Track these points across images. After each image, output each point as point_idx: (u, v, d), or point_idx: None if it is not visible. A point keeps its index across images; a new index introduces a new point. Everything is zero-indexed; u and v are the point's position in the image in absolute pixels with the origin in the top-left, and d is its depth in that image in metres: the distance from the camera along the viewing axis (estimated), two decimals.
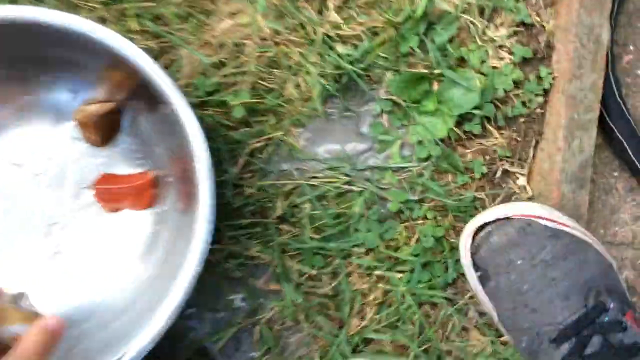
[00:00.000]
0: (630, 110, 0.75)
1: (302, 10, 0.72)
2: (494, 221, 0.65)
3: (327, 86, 0.72)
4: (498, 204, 0.75)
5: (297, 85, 0.75)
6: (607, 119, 0.73)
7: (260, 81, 0.75)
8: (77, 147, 0.73)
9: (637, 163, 0.73)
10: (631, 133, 0.73)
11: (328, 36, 0.72)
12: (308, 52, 0.73)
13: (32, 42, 0.64)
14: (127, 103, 0.72)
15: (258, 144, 0.76)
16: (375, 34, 0.74)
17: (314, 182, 0.76)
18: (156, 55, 0.73)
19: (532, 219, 0.63)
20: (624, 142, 0.73)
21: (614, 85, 0.73)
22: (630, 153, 0.73)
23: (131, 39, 0.62)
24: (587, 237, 0.64)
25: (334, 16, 0.72)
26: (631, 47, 0.76)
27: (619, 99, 0.73)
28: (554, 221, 0.64)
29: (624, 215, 0.76)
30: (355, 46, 0.73)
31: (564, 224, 0.64)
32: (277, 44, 0.74)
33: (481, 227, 0.66)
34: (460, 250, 0.69)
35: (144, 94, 0.65)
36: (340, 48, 0.72)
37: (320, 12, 0.73)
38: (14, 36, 0.63)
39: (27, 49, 0.65)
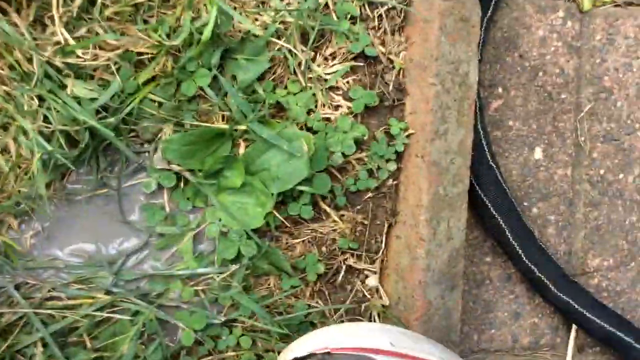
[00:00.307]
0: (503, 175, 0.56)
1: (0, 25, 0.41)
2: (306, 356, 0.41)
3: (56, 152, 0.42)
4: (343, 315, 0.51)
5: (5, 150, 0.43)
6: (478, 189, 0.53)
7: None
8: None
9: (516, 247, 0.54)
10: (509, 208, 0.54)
11: (54, 67, 0.43)
12: (20, 93, 0.42)
13: None
14: None
15: None
16: (140, 65, 0.46)
17: (51, 306, 0.45)
18: None
19: (351, 352, 0.41)
20: (501, 222, 0.54)
21: (484, 143, 0.54)
22: (509, 234, 0.54)
23: None
24: None
25: (62, 34, 0.42)
26: (500, 89, 0.58)
27: (491, 162, 0.54)
28: (385, 352, 0.42)
29: (501, 312, 0.57)
30: (105, 84, 0.44)
31: (396, 354, 0.42)
32: None
33: None
34: None
35: None
36: (76, 87, 0.43)
37: (42, 27, 0.43)
38: None
39: None
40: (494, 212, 0.53)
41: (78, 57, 0.42)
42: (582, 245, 0.59)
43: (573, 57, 0.59)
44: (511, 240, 0.54)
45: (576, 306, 0.55)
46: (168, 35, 0.45)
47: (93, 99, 0.42)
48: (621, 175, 0.59)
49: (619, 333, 0.54)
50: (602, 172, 0.59)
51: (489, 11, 0.55)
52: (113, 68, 0.43)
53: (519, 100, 0.58)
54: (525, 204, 0.58)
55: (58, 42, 0.43)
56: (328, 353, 0.42)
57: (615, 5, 0.61)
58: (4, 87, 0.43)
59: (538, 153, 0.58)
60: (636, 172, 0.60)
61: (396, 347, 0.44)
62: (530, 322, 0.58)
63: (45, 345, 0.45)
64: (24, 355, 0.45)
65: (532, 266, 0.54)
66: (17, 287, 0.45)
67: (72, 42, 0.42)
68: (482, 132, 0.53)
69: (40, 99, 0.42)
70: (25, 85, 0.42)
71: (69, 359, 0.44)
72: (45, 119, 0.42)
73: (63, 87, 0.43)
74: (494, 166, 0.53)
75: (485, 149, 0.54)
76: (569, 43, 0.59)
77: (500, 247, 0.56)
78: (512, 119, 0.58)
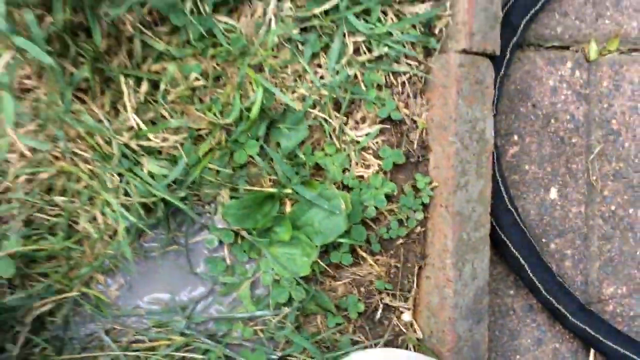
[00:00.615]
0: (521, 216, 0.61)
1: (81, 115, 0.49)
2: None
3: (136, 220, 0.50)
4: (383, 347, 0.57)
5: (94, 219, 0.51)
6: (499, 231, 0.59)
7: (38, 214, 0.50)
8: None
9: (535, 281, 0.59)
10: (528, 247, 0.59)
11: (130, 148, 0.50)
12: (103, 172, 0.50)
13: None
14: None
15: (46, 307, 0.51)
16: (200, 139, 0.53)
17: (136, 348, 0.53)
18: None
19: None
20: (520, 258, 0.59)
21: (502, 189, 0.59)
22: (529, 270, 0.59)
23: None
24: None
25: (135, 120, 0.50)
26: (516, 137, 0.63)
27: (509, 206, 0.59)
28: None
29: (525, 340, 0.62)
30: (173, 160, 0.52)
31: None
32: (57, 158, 0.50)
33: None
34: None
35: None
36: (149, 164, 0.50)
37: (116, 112, 0.51)
38: None
39: None
40: (514, 251, 0.59)
41: (149, 139, 0.50)
42: (597, 276, 0.64)
43: (582, 103, 0.64)
44: (531, 275, 0.59)
45: (592, 332, 0.60)
46: (221, 112, 0.53)
47: (164, 175, 0.50)
48: (631, 210, 0.64)
49: (632, 355, 0.59)
50: (613, 208, 0.64)
51: (502, 69, 0.61)
52: (178, 146, 0.50)
53: (534, 146, 0.63)
54: (544, 240, 0.63)
55: (131, 127, 0.50)
56: None
57: (620, 53, 0.66)
58: (89, 167, 0.50)
59: (553, 193, 0.63)
60: None
61: None
62: (552, 347, 0.63)
63: None
64: None
65: (551, 298, 0.59)
66: (107, 333, 0.53)
67: (143, 126, 0.50)
68: (500, 179, 0.59)
69: (120, 175, 0.50)
70: (106, 164, 0.50)
71: None
72: (126, 192, 0.50)
73: (138, 164, 0.50)
74: (512, 209, 0.59)
75: (504, 194, 0.59)
76: (578, 91, 0.64)
77: (522, 281, 0.61)
78: (528, 163, 0.63)
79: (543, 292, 0.59)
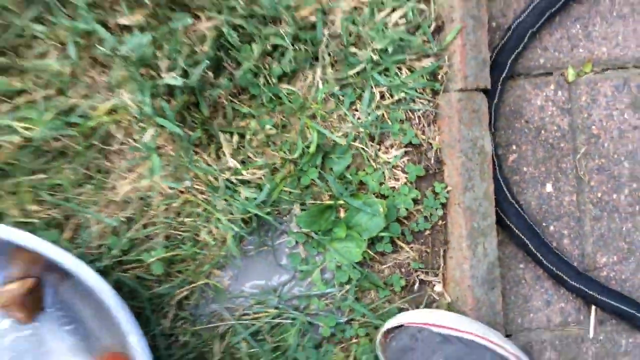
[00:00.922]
0: (523, 206, 0.78)
1: (198, 162, 0.72)
2: (395, 327, 0.67)
3: (239, 230, 0.72)
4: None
5: (210, 232, 0.74)
6: (505, 219, 0.76)
7: (173, 231, 0.73)
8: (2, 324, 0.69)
9: (538, 255, 0.76)
10: (529, 230, 0.76)
11: (230, 182, 0.73)
12: (214, 199, 0.72)
13: None
14: (44, 276, 0.68)
15: (183, 293, 0.74)
16: (276, 170, 0.75)
17: (245, 319, 0.75)
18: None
19: (423, 326, 0.66)
20: (524, 238, 0.76)
21: (504, 188, 0.77)
22: (532, 247, 0.76)
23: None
24: (485, 341, 0.65)
25: (232, 162, 0.72)
26: (514, 147, 0.81)
27: (511, 200, 0.77)
28: (445, 327, 0.66)
29: (536, 302, 0.79)
30: (259, 187, 0.73)
31: (456, 329, 0.66)
32: (182, 192, 0.73)
33: (389, 332, 0.69)
34: (377, 353, 0.71)
35: (55, 267, 0.63)
36: (244, 191, 0.72)
37: (218, 157, 0.74)
38: None
39: None
40: (519, 233, 0.76)
41: (242, 174, 0.72)
42: (591, 249, 0.79)
43: (566, 116, 0.81)
44: (534, 251, 0.76)
45: (589, 291, 0.75)
46: (289, 151, 0.74)
47: (254, 198, 0.72)
48: (615, 196, 0.79)
49: (624, 307, 0.74)
50: (599, 195, 0.80)
51: (496, 97, 0.79)
52: (262, 177, 0.72)
53: (529, 152, 0.80)
54: (544, 224, 0.79)
55: (230, 167, 0.73)
56: (402, 326, 0.68)
57: (595, 73, 0.82)
58: (204, 196, 0.73)
59: (549, 187, 0.80)
60: (626, 192, 0.79)
61: (453, 323, 0.68)
62: (559, 306, 0.78)
63: (246, 341, 0.74)
64: (235, 348, 0.74)
65: (552, 267, 0.76)
66: (226, 309, 0.75)
67: (238, 166, 0.72)
68: (502, 180, 0.77)
69: (226, 200, 0.73)
70: (216, 194, 0.72)
71: (261, 348, 0.72)
72: (230, 212, 0.72)
73: (237, 192, 0.73)
74: (514, 202, 0.76)
75: (506, 191, 0.77)
76: (562, 107, 0.81)
77: (528, 256, 0.78)
78: (525, 166, 0.80)
79: (545, 262, 0.76)
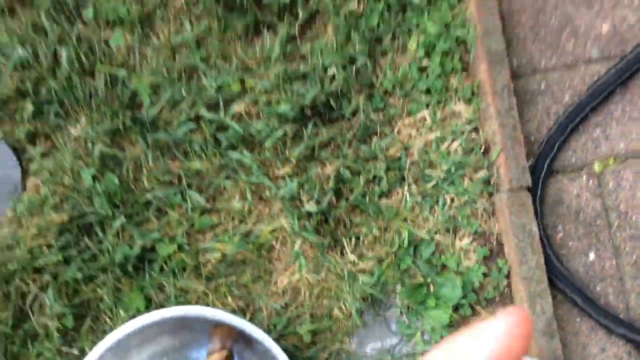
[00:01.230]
0: (572, 273, 1.03)
1: (330, 260, 1.06)
2: None
3: (360, 306, 1.04)
4: None
5: (340, 308, 1.06)
6: (558, 284, 1.02)
7: (315, 310, 1.07)
8: None
9: (587, 310, 0.99)
10: (576, 290, 1.00)
11: (352, 271, 1.06)
12: (342, 284, 1.05)
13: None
14: (233, 346, 1.04)
15: (325, 356, 1.06)
16: (382, 261, 1.07)
17: None
18: (243, 308, 1.06)
19: None
20: (573, 297, 1.00)
21: (554, 260, 1.03)
22: (580, 304, 1.00)
23: (226, 303, 0.96)
24: None
25: (352, 257, 1.06)
26: (559, 227, 1.07)
27: (561, 268, 1.02)
28: None
29: (593, 349, 1.01)
30: (372, 273, 1.06)
31: None
32: (320, 281, 1.07)
33: None
34: None
35: (243, 337, 0.98)
36: (362, 277, 1.05)
37: (342, 254, 1.07)
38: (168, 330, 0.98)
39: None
40: (569, 293, 1.01)
41: (360, 265, 1.05)
42: (634, 302, 1.01)
43: (598, 199, 1.07)
44: (582, 306, 1.00)
45: (633, 336, 0.97)
46: (390, 245, 1.06)
47: (369, 282, 1.04)
48: None
49: None
50: (634, 258, 1.03)
51: (538, 191, 1.06)
52: (375, 267, 1.05)
53: (572, 230, 1.06)
54: (590, 286, 1.03)
55: (350, 261, 1.06)
56: None
57: (617, 164, 1.07)
58: (335, 283, 1.06)
59: (592, 256, 1.04)
60: None
61: None
62: (612, 352, 1.00)
63: None
64: None
65: (599, 319, 0.99)
66: None
67: (357, 259, 1.05)
68: (552, 253, 1.03)
69: (349, 285, 1.05)
70: (343, 280, 1.05)
71: None
72: (353, 294, 1.05)
73: (356, 279, 1.05)
74: (564, 269, 1.02)
75: (556, 262, 1.02)
76: (594, 193, 1.07)
77: (581, 311, 1.02)
78: (570, 240, 1.06)
79: (593, 315, 0.99)
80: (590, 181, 1.08)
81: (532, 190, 1.05)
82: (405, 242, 1.04)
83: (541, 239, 1.03)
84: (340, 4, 1.09)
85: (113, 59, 1.13)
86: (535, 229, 1.02)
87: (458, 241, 1.06)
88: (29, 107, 1.10)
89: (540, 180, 1.07)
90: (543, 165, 1.07)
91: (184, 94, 1.08)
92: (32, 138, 1.11)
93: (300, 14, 1.11)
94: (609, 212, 1.06)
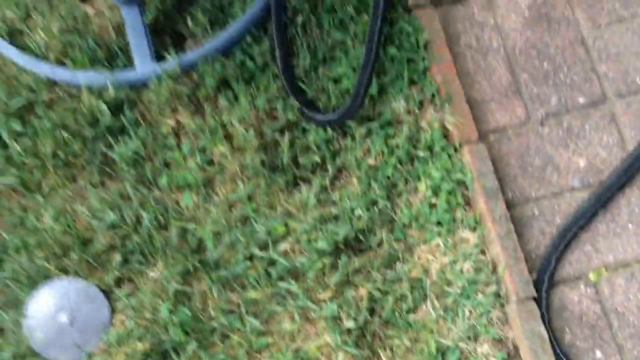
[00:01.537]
0: None
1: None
2: None
3: None
4: None
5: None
6: None
7: None
8: None
9: None
10: None
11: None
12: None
13: None
14: None
15: None
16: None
17: None
18: None
19: None
20: None
21: (564, 359, 1.19)
22: None
23: None
24: None
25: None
26: (567, 329, 1.24)
27: None
28: None
29: None
30: None
31: None
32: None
33: None
34: None
35: None
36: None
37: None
38: None
39: None
40: None
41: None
42: None
43: (597, 304, 1.25)
44: None
45: None
46: (421, 353, 1.24)
47: None
48: None
49: None
50: (635, 353, 1.18)
51: (543, 302, 1.26)
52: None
53: (578, 331, 1.23)
54: None
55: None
56: None
57: (609, 272, 1.27)
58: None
59: (598, 354, 1.21)
60: None
61: None
62: None
63: None
64: None
65: None
66: None
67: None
68: (561, 352, 1.19)
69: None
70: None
71: None
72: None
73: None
74: None
75: (564, 357, 1.19)
76: (592, 298, 1.26)
77: None
78: (577, 340, 1.23)
79: None
80: (588, 289, 1.27)
81: (538, 299, 1.24)
82: (434, 350, 1.22)
83: (551, 341, 1.20)
84: (361, 160, 1.40)
85: (183, 215, 1.42)
86: (544, 332, 1.20)
87: (479, 347, 1.23)
88: (118, 257, 1.37)
89: (544, 291, 1.27)
90: (545, 278, 1.28)
91: (240, 238, 1.36)
92: (118, 282, 1.37)
93: (330, 170, 1.41)
94: (608, 314, 1.24)
